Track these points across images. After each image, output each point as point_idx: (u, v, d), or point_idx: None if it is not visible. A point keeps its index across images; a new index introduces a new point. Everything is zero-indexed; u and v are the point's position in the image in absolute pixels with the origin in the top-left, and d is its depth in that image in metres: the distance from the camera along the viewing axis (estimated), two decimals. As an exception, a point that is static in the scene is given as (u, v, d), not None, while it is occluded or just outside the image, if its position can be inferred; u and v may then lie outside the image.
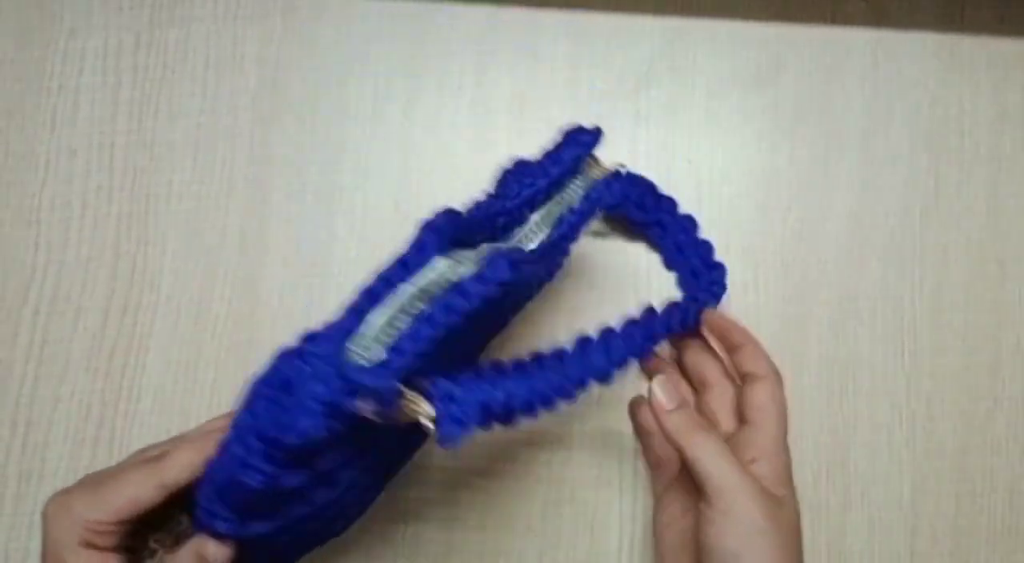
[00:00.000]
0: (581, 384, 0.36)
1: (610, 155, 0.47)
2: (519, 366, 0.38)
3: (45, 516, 0.33)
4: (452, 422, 0.29)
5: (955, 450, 0.47)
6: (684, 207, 0.47)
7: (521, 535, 0.45)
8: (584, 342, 0.39)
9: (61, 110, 0.48)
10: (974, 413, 0.47)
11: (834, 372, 0.47)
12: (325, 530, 0.39)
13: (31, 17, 0.49)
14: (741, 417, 0.40)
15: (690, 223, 0.47)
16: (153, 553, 0.35)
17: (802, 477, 0.40)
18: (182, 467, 0.33)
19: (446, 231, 0.33)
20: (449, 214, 0.34)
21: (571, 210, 0.39)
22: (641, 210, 0.46)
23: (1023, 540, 0.46)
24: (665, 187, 0.47)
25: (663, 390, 0.38)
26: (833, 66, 0.49)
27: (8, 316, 0.47)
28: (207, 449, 0.33)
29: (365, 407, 0.29)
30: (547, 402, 0.35)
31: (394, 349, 0.30)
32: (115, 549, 0.33)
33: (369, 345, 0.31)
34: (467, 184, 0.47)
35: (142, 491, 0.33)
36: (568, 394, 0.36)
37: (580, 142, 0.40)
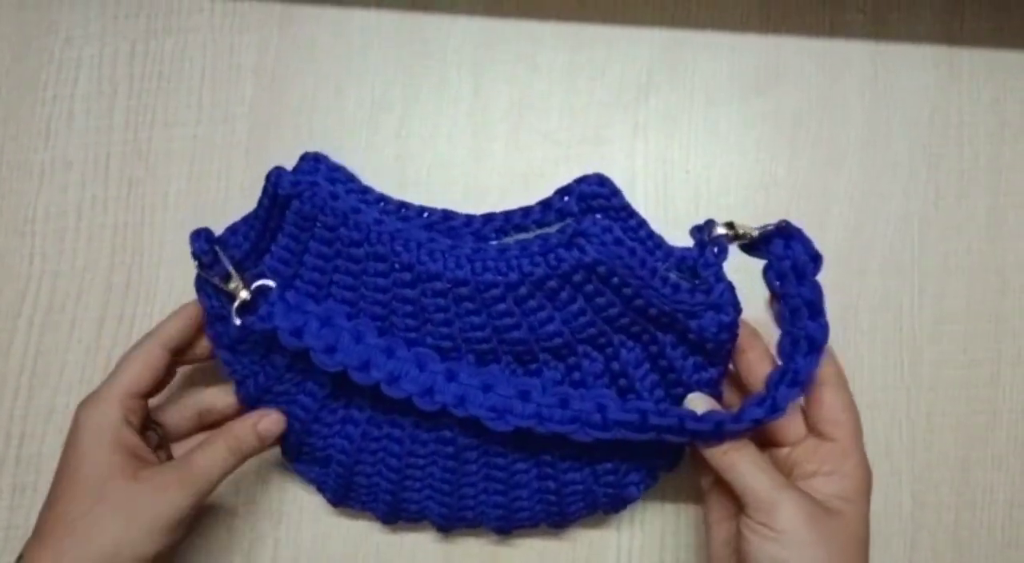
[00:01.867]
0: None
1: (608, 166, 0.47)
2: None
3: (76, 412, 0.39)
4: (264, 311, 0.37)
5: (955, 462, 0.46)
6: (682, 218, 0.47)
7: (523, 536, 0.45)
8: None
9: (56, 119, 0.48)
10: (974, 425, 0.47)
11: (833, 384, 0.47)
12: (389, 474, 0.41)
13: (27, 26, 0.48)
14: (810, 425, 0.38)
15: (820, 331, 0.37)
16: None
17: (802, 491, 0.40)
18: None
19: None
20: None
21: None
22: (780, 278, 0.38)
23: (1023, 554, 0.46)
24: (663, 198, 0.47)
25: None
26: (832, 77, 0.49)
27: (2, 327, 0.46)
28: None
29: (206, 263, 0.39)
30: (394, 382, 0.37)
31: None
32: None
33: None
34: (465, 194, 0.47)
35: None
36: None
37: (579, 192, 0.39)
